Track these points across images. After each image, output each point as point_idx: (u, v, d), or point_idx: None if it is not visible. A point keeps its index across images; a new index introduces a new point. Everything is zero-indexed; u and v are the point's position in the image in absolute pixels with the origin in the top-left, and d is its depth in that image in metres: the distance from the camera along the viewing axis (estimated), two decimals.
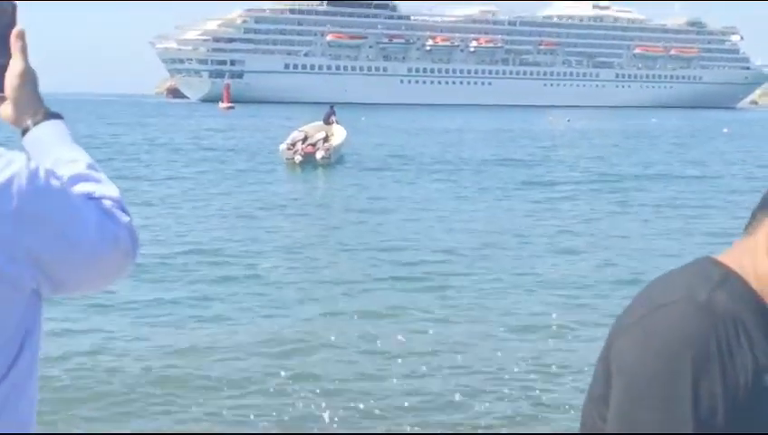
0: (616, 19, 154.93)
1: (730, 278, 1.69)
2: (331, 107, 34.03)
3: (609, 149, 42.85)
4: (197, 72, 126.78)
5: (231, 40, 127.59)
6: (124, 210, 1.69)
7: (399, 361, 8.86)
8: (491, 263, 13.97)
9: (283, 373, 8.44)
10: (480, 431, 7.60)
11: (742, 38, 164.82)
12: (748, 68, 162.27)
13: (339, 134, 32.35)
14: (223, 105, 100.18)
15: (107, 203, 1.67)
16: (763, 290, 1.68)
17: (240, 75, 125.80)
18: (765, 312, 1.69)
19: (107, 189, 1.70)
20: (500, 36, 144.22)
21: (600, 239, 16.49)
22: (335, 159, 31.12)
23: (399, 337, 9.65)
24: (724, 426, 1.61)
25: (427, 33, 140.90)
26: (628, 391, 1.65)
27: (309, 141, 31.57)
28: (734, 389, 1.62)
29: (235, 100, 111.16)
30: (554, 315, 10.50)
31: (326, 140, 31.59)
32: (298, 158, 30.56)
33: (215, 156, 35.52)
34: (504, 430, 7.60)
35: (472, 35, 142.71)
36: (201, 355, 9.02)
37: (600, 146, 45.32)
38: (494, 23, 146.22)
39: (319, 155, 30.67)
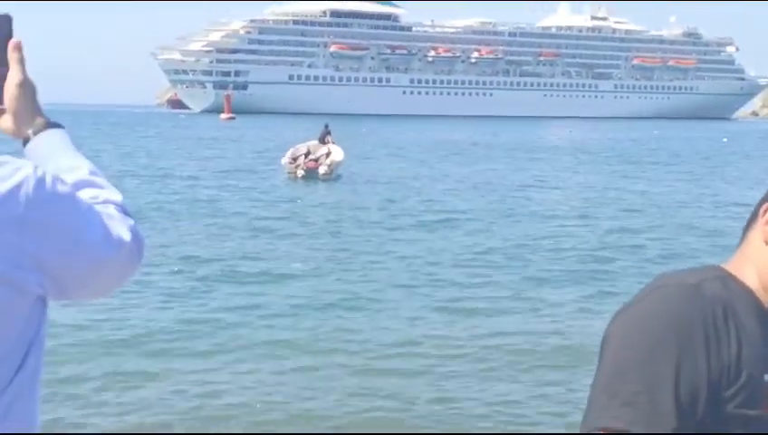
0: (614, 30, 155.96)
1: (730, 277, 1.73)
2: (326, 126, 33.65)
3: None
4: (201, 83, 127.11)
5: (235, 51, 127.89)
6: (128, 214, 1.70)
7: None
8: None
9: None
10: (480, 431, 7.77)
11: (737, 49, 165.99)
12: (743, 79, 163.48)
13: (338, 152, 32.45)
14: (224, 116, 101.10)
15: (110, 208, 1.68)
16: (766, 296, 1.73)
17: (245, 86, 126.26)
18: (764, 314, 1.72)
19: (110, 194, 1.72)
20: (500, 47, 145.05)
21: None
22: (335, 176, 31.41)
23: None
24: (703, 411, 1.66)
25: (429, 45, 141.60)
26: (613, 364, 1.68)
27: (311, 156, 31.94)
28: (718, 373, 1.65)
29: (240, 111, 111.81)
30: None
31: (328, 155, 31.93)
32: (300, 172, 31.02)
33: (215, 167, 36.00)
34: (505, 429, 7.83)
35: (473, 46, 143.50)
36: None
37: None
38: (495, 33, 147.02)
39: (322, 170, 31.02)
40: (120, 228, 1.66)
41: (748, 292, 1.72)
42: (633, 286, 13.16)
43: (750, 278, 1.74)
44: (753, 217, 1.79)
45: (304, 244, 17.45)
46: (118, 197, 1.73)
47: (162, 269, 14.18)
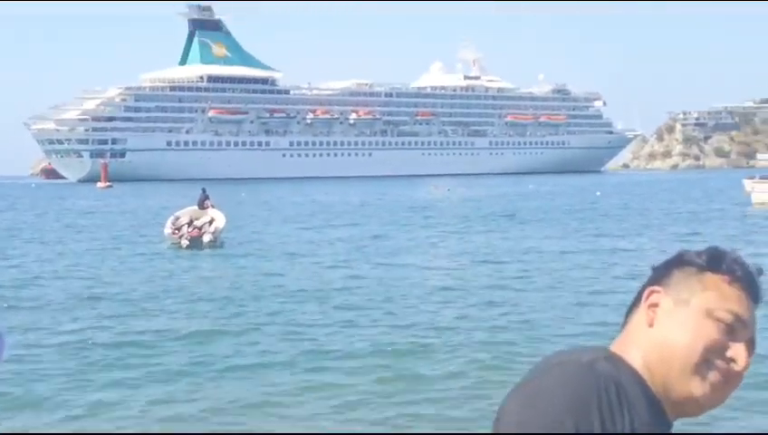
0: (486, 89, 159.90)
1: (617, 358, 1.79)
2: (204, 190, 33.33)
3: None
4: (77, 153, 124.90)
5: (111, 118, 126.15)
6: None
7: None
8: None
9: None
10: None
11: (604, 104, 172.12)
12: (611, 132, 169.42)
13: (219, 218, 32.23)
14: (101, 184, 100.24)
15: None
16: (651, 379, 1.79)
17: (122, 154, 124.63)
18: (651, 397, 1.77)
19: None
20: (377, 108, 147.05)
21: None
22: (219, 243, 31.18)
23: None
24: None
25: (307, 107, 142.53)
26: None
27: (195, 225, 31.60)
28: None
29: (118, 179, 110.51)
30: None
31: (211, 222, 31.66)
32: (185, 242, 30.56)
33: (94, 237, 35.26)
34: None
35: (350, 108, 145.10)
36: None
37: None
38: (371, 95, 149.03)
39: (206, 238, 30.75)
40: None
41: (635, 373, 1.76)
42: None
43: (635, 360, 1.78)
44: (637, 301, 1.86)
45: (193, 315, 17.12)
46: None
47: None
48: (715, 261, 1.82)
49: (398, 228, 38.54)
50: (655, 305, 1.82)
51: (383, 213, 49.41)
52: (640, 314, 1.83)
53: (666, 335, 1.79)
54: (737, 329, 1.79)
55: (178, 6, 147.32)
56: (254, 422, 10.03)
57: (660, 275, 1.85)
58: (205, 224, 31.67)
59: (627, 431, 1.69)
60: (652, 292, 1.83)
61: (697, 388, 1.77)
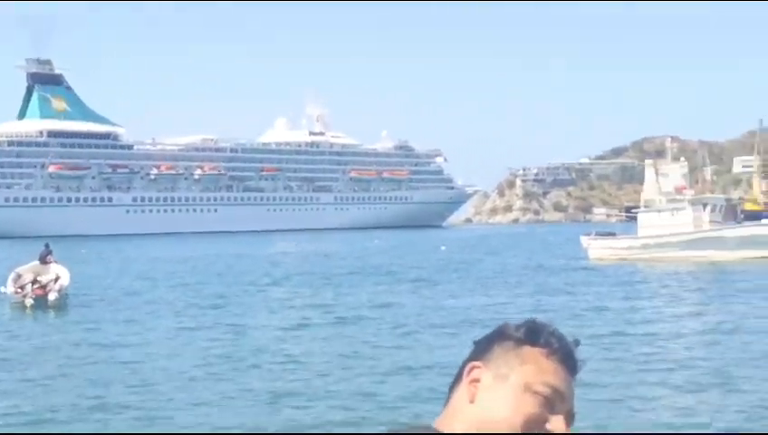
0: (331, 145, 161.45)
1: None
2: (47, 245, 32.64)
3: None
4: None
5: None
6: None
7: None
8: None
9: None
10: None
11: (445, 160, 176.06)
12: (452, 188, 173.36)
13: (64, 274, 31.53)
14: None
15: None
16: None
17: None
18: None
19: None
20: (222, 163, 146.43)
21: None
22: (63, 302, 30.40)
23: None
24: None
25: (151, 162, 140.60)
26: None
27: (39, 282, 30.74)
28: None
29: None
30: None
31: (56, 280, 30.87)
32: (29, 301, 29.66)
33: None
34: None
35: (195, 163, 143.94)
36: None
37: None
38: (217, 150, 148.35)
39: (52, 296, 30.02)
40: None
41: None
42: None
43: None
44: (458, 377, 1.89)
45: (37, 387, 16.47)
46: None
47: None
48: (532, 334, 1.87)
49: (242, 288, 38.58)
50: (476, 381, 1.86)
51: (230, 271, 49.47)
52: (462, 389, 1.86)
53: (486, 411, 1.82)
54: (555, 402, 1.82)
55: (16, 59, 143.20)
56: None
57: (481, 349, 1.90)
58: (50, 281, 30.94)
59: None
60: (473, 368, 1.87)
61: None
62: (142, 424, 13.08)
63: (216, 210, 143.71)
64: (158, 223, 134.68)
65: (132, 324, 25.50)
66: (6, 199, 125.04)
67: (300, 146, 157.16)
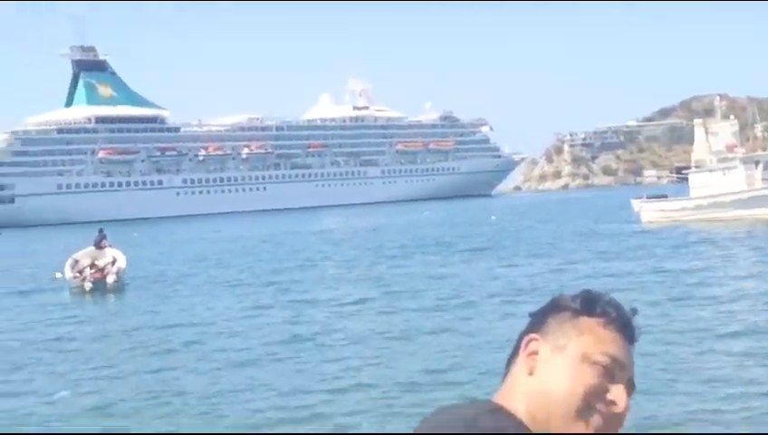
0: (375, 118, 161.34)
1: (501, 410, 1.79)
2: (101, 230, 32.96)
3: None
4: None
5: None
6: None
7: None
8: None
9: None
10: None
11: (491, 129, 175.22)
12: (499, 156, 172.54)
13: (120, 257, 31.83)
14: None
15: None
16: (536, 428, 1.79)
17: (12, 200, 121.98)
18: None
19: None
20: (269, 142, 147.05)
21: None
22: (122, 284, 30.71)
23: None
24: None
25: (199, 144, 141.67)
26: None
27: (97, 266, 31.10)
28: None
29: (9, 225, 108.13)
30: None
31: (113, 263, 31.22)
32: (88, 285, 30.00)
33: None
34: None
35: (242, 143, 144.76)
36: None
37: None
38: (263, 129, 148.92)
39: (110, 279, 30.35)
40: None
41: (519, 424, 1.78)
42: None
43: (519, 410, 1.80)
44: (516, 350, 1.89)
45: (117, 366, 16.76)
46: None
47: None
48: (589, 304, 1.86)
49: (297, 264, 38.70)
50: (534, 353, 1.85)
51: (283, 248, 49.69)
52: (520, 362, 1.86)
53: (546, 384, 1.81)
54: (615, 371, 1.82)
55: (61, 48, 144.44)
56: None
57: (537, 321, 1.89)
58: (107, 265, 31.22)
59: None
60: (531, 340, 1.86)
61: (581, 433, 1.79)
62: (208, 407, 13.16)
63: (264, 189, 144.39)
64: (208, 204, 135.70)
65: (191, 305, 25.64)
66: (59, 187, 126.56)
67: (344, 121, 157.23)
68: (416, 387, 13.25)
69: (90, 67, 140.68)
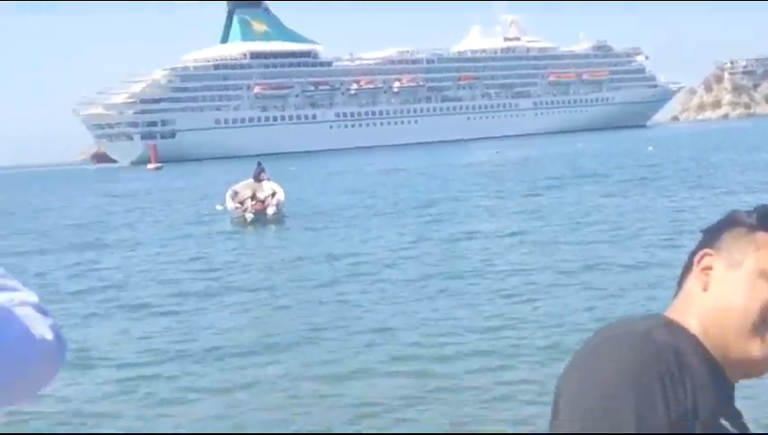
0: (527, 49, 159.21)
1: (674, 324, 1.77)
2: (259, 164, 33.22)
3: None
4: (128, 135, 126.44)
5: (158, 100, 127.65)
6: (46, 314, 1.57)
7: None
8: None
9: None
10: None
11: (647, 58, 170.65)
12: (655, 86, 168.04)
13: (279, 190, 32.07)
14: (151, 166, 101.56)
15: (28, 309, 1.55)
16: (709, 343, 1.76)
17: (172, 135, 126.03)
18: (710, 362, 1.75)
19: (23, 295, 1.57)
20: (420, 75, 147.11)
21: None
22: (281, 215, 31.03)
23: None
24: None
25: (351, 78, 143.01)
26: (570, 420, 1.69)
27: (258, 198, 31.45)
28: (677, 420, 1.65)
29: (170, 159, 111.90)
30: None
31: (273, 195, 31.52)
32: (249, 216, 30.34)
33: (155, 222, 34.50)
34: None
35: (393, 76, 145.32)
36: None
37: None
38: (413, 62, 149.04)
39: (270, 211, 30.59)
40: (41, 329, 1.54)
41: (693, 339, 1.75)
42: None
43: (693, 326, 1.77)
44: (689, 266, 1.84)
45: (290, 296, 16.90)
46: (32, 297, 1.59)
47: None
48: (765, 219, 1.79)
49: (452, 196, 38.60)
50: (708, 269, 1.80)
51: (436, 181, 49.64)
52: (694, 278, 1.82)
53: (721, 299, 1.77)
54: None
55: None
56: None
57: (711, 237, 1.83)
58: (267, 197, 31.64)
59: (689, 398, 1.67)
60: (705, 255, 1.82)
61: (756, 349, 1.75)
62: (370, 339, 13.16)
63: (416, 122, 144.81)
64: (360, 137, 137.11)
65: (349, 236, 25.84)
66: (217, 121, 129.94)
67: (496, 53, 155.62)
68: (579, 327, 12.92)
69: (244, 4, 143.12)
